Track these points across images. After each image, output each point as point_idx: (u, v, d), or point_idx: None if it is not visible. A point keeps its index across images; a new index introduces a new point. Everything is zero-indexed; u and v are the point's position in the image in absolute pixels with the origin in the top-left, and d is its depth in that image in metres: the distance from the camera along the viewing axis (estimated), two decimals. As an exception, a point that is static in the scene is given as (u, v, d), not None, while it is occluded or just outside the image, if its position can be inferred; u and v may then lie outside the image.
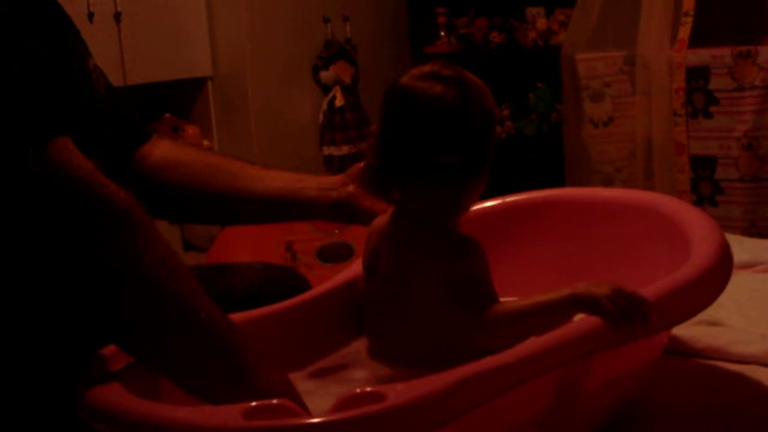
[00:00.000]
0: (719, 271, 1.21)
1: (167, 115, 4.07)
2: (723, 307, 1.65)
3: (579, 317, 1.12)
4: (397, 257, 1.25)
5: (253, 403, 0.89)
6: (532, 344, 1.04)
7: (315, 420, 0.87)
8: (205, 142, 4.09)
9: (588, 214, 1.49)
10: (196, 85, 4.08)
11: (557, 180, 3.69)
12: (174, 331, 1.04)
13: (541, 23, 4.00)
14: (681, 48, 3.31)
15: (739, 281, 1.81)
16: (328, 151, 4.16)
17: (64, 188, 1.02)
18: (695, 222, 1.32)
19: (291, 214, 1.47)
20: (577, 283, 1.14)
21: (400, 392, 0.90)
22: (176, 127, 4.06)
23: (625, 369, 1.20)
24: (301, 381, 1.24)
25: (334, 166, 4.14)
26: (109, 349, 1.10)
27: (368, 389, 0.91)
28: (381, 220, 1.30)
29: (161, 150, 1.48)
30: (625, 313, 1.09)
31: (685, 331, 1.51)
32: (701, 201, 3.32)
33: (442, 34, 4.27)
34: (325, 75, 4.14)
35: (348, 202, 1.42)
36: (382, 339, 1.28)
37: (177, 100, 4.11)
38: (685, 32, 3.30)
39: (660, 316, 1.13)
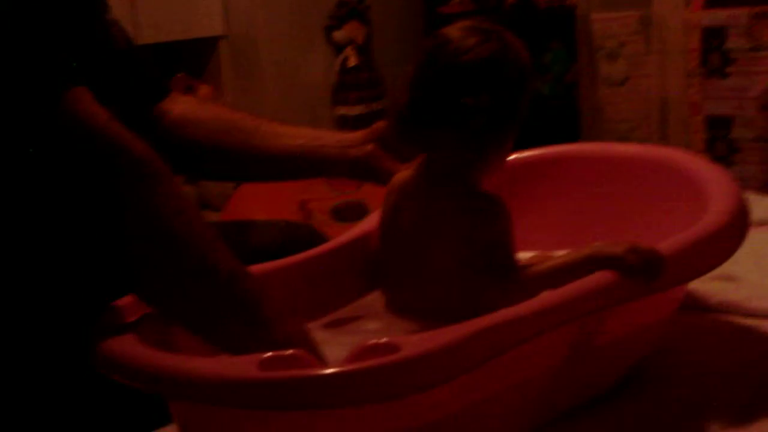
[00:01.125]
0: (736, 227, 1.20)
1: (180, 74, 4.06)
2: (739, 262, 1.63)
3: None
4: (420, 214, 1.24)
5: (269, 354, 0.89)
6: (547, 297, 1.04)
7: (330, 370, 0.87)
8: (219, 102, 4.09)
9: (603, 169, 1.47)
10: (209, 44, 4.07)
11: (572, 140, 3.67)
12: (193, 282, 1.03)
13: (557, -18, 3.96)
14: (696, 8, 3.28)
15: (756, 238, 1.80)
16: (341, 111, 4.15)
17: (80, 137, 1.02)
18: (713, 177, 1.31)
19: (310, 171, 1.47)
20: (594, 243, 1.14)
21: (414, 343, 0.89)
22: (190, 86, 4.05)
23: (641, 323, 1.20)
24: (315, 331, 1.24)
25: (347, 126, 4.13)
26: (124, 300, 1.10)
27: (383, 340, 0.90)
28: (401, 177, 1.29)
29: (181, 107, 1.47)
30: (642, 268, 1.09)
31: (700, 286, 1.50)
32: (717, 160, 3.29)
33: (456, -7, 4.24)
34: (338, 35, 4.12)
35: (367, 161, 1.41)
36: (399, 294, 1.28)
37: (190, 60, 4.11)
38: (701, -9, 3.28)
39: (676, 270, 1.13)
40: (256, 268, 1.20)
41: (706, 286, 1.50)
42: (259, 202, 3.43)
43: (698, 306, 1.49)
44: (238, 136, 1.46)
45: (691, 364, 1.32)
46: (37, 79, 1.02)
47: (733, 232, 1.20)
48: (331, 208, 3.36)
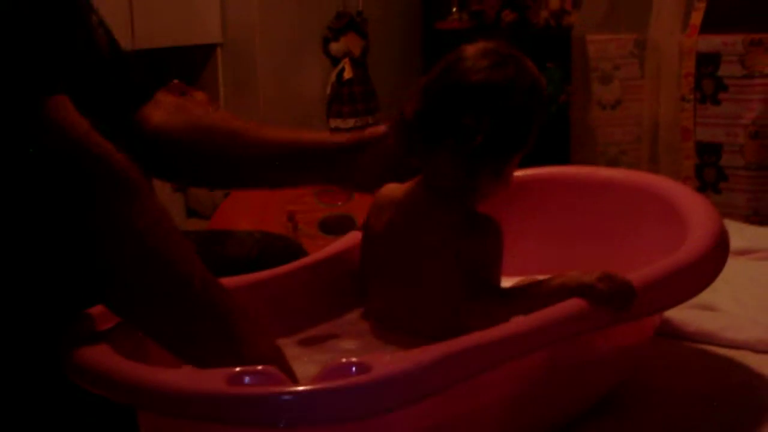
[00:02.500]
0: (713, 258, 1.21)
1: (175, 81, 4.06)
2: (718, 292, 1.64)
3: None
4: (413, 230, 1.24)
5: (238, 369, 0.89)
6: (519, 323, 1.05)
7: (298, 388, 0.87)
8: (213, 109, 4.09)
9: (586, 193, 1.48)
10: (206, 51, 4.08)
11: (562, 161, 3.68)
12: (165, 295, 1.03)
13: (554, 3, 3.97)
14: (692, 33, 3.30)
15: (736, 267, 1.81)
16: (334, 123, 4.15)
17: (58, 147, 1.01)
18: (694, 207, 1.31)
19: (290, 174, 1.43)
20: (569, 271, 1.14)
21: (385, 364, 0.90)
22: (184, 93, 4.05)
23: (615, 350, 1.20)
24: (289, 347, 1.24)
25: (340, 138, 4.13)
26: (98, 309, 1.10)
27: (354, 359, 0.90)
28: (392, 190, 1.29)
29: (161, 111, 1.45)
30: (612, 297, 1.10)
31: (677, 314, 1.51)
32: (705, 187, 3.31)
33: (454, 9, 4.25)
34: (335, 47, 4.13)
35: (349, 167, 1.38)
36: (386, 309, 1.28)
37: (186, 66, 4.11)
38: (697, 18, 3.29)
39: (647, 301, 1.13)
40: (233, 281, 1.21)
41: (683, 314, 1.51)
42: (247, 212, 3.43)
43: (675, 334, 1.50)
44: (218, 140, 1.42)
45: (662, 391, 1.32)
46: (17, 85, 1.01)
47: (708, 265, 1.20)
48: (319, 220, 3.36)
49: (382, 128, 1.37)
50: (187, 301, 1.04)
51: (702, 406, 1.29)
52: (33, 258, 1.08)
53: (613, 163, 3.53)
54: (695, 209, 1.30)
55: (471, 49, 1.19)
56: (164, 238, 1.04)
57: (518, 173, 1.53)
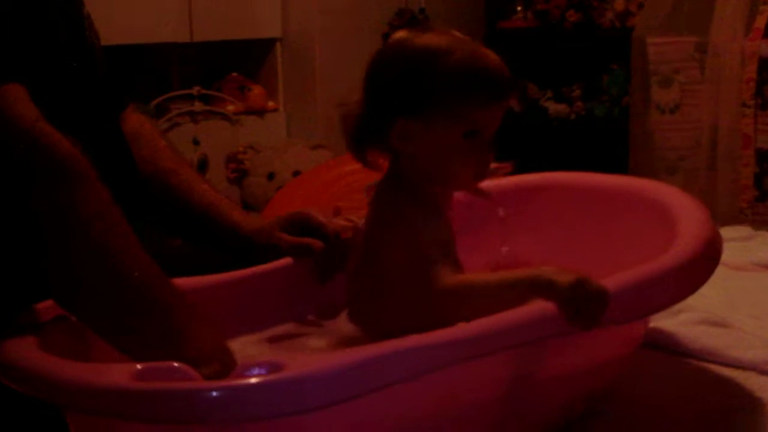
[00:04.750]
0: (696, 266, 1.13)
1: (234, 74, 4.07)
2: (736, 307, 1.57)
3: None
4: (373, 223, 1.22)
5: (143, 365, 0.86)
6: (464, 328, 0.99)
7: (202, 385, 0.83)
8: (270, 103, 4.08)
9: (579, 199, 1.42)
10: (265, 45, 4.07)
11: (620, 165, 3.59)
12: (103, 286, 1.02)
13: (620, 4, 3.88)
14: (756, 37, 3.17)
15: (764, 283, 1.72)
16: (392, 120, 4.11)
17: (2, 135, 1.01)
18: (686, 212, 1.24)
19: (206, 232, 1.41)
20: (543, 266, 1.08)
21: (298, 364, 0.85)
22: (242, 86, 4.06)
23: (592, 360, 1.14)
24: (255, 345, 1.22)
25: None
26: (46, 303, 1.08)
27: (268, 358, 0.86)
28: None
29: (131, 125, 1.44)
30: (582, 305, 1.03)
31: (686, 329, 1.43)
32: (764, 196, 3.18)
33: (519, 8, 4.18)
34: (396, 44, 4.08)
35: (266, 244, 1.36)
36: (357, 305, 1.24)
37: (245, 60, 4.11)
38: (761, 21, 3.17)
39: (620, 310, 1.06)
40: (211, 279, 1.22)
41: (691, 330, 1.43)
42: (296, 205, 3.41)
43: (679, 350, 1.41)
44: (155, 188, 1.41)
45: (660, 406, 1.25)
46: None
47: (691, 272, 1.13)
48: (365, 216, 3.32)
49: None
50: (126, 294, 1.02)
51: (689, 429, 1.21)
52: None
53: (671, 168, 3.43)
54: (686, 215, 1.23)
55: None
56: (106, 229, 1.03)
57: (511, 178, 1.50)
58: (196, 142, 3.93)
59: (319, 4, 3.96)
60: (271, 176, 3.87)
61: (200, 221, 1.40)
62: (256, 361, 0.88)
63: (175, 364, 0.88)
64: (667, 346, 1.40)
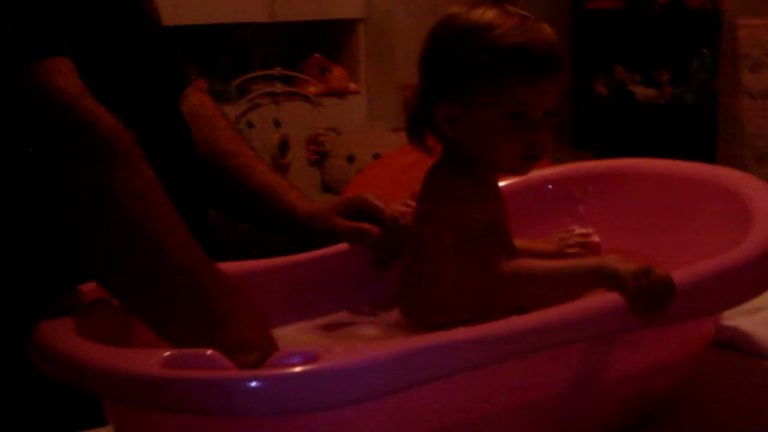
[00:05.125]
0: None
1: (316, 55, 4.05)
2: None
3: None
4: (419, 208, 1.17)
5: (173, 352, 0.83)
6: (516, 321, 0.93)
7: (226, 375, 0.80)
8: (352, 85, 4.05)
9: (656, 188, 1.35)
10: (347, 26, 4.04)
11: (708, 153, 3.48)
12: (142, 268, 0.98)
13: (712, -16, 3.76)
14: None
15: None
16: (474, 103, 4.05)
17: (44, 110, 0.99)
18: (763, 202, 1.17)
19: (264, 216, 1.38)
20: (608, 255, 1.03)
21: (333, 356, 0.81)
22: (324, 67, 4.04)
23: (649, 360, 1.07)
24: (305, 332, 1.18)
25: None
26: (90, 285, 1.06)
27: (303, 349, 0.82)
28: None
29: (188, 106, 1.42)
30: (646, 295, 0.97)
31: (764, 329, 1.35)
32: None
33: (606, -11, 4.09)
34: (480, 25, 4.02)
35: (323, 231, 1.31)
36: (406, 294, 1.20)
37: (327, 41, 4.09)
38: None
39: (688, 304, 1.00)
40: (267, 263, 1.19)
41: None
42: (375, 189, 3.38)
43: (757, 351, 1.33)
44: (212, 167, 1.38)
45: (734, 410, 1.18)
46: (10, 45, 0.99)
47: (766, 268, 1.06)
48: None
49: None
50: (166, 275, 0.99)
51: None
52: (23, 227, 1.06)
53: (761, 156, 3.31)
54: (763, 204, 1.15)
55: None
56: (149, 207, 1.00)
57: (587, 164, 1.44)
58: (277, 124, 3.93)
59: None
60: (351, 159, 3.85)
61: (257, 204, 1.37)
62: (291, 350, 0.84)
63: (209, 352, 0.84)
64: (743, 347, 1.32)
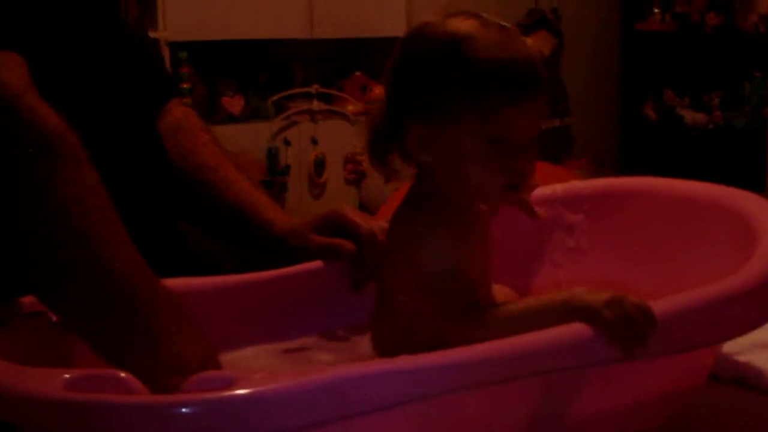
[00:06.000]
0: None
1: (357, 73, 3.99)
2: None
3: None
4: (391, 242, 1.08)
5: (82, 372, 0.76)
6: (463, 351, 0.85)
7: (123, 400, 0.73)
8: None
9: (664, 210, 1.25)
10: (389, 44, 3.96)
11: (759, 178, 3.35)
12: (78, 276, 0.92)
13: (765, 5, 3.63)
14: None
15: None
16: (517, 125, 3.96)
17: None
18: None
19: (239, 231, 1.31)
20: (575, 287, 0.93)
21: (252, 381, 0.73)
22: (365, 86, 3.98)
23: (646, 394, 0.98)
24: (267, 355, 1.11)
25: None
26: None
27: (223, 372, 0.75)
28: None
29: (165, 124, 1.36)
30: (621, 324, 0.88)
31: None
32: None
33: (656, 10, 3.97)
34: (524, 45, 3.94)
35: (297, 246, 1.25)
36: (375, 329, 1.11)
37: (369, 59, 4.02)
38: None
39: (674, 335, 0.91)
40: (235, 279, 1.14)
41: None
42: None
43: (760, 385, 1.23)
44: (193, 184, 1.33)
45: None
46: None
47: (763, 298, 0.96)
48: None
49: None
50: (102, 288, 0.92)
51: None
52: None
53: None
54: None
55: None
56: (88, 214, 0.93)
57: (589, 183, 1.34)
58: (314, 142, 3.87)
59: (446, 2, 3.84)
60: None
61: (234, 219, 1.30)
62: (209, 374, 0.76)
63: (121, 374, 0.77)
64: (757, 385, 1.22)
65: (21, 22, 1.03)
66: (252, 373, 0.75)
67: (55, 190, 0.92)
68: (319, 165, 3.87)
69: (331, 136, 3.85)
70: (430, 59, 0.98)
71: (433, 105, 0.97)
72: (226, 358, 1.08)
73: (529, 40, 1.01)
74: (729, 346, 1.16)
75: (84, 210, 0.93)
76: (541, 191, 1.29)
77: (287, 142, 3.83)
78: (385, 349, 1.06)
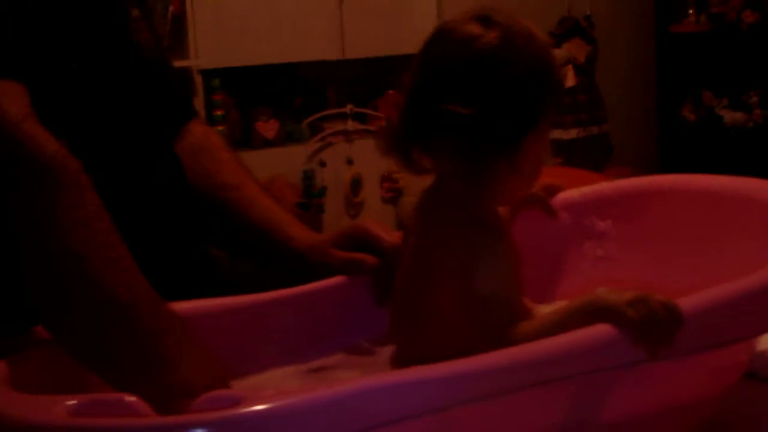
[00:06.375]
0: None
1: (390, 92, 3.97)
2: None
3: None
4: (415, 249, 1.05)
5: (88, 398, 0.74)
6: (483, 358, 0.82)
7: (131, 423, 0.70)
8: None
9: (695, 207, 1.21)
10: (422, 61, 3.96)
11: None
12: (81, 303, 0.90)
13: (801, 0, 3.57)
14: None
15: None
16: (554, 134, 3.92)
17: None
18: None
19: (263, 248, 1.29)
20: (598, 289, 0.91)
21: (258, 399, 0.71)
22: (398, 105, 3.95)
23: (677, 397, 0.95)
24: (292, 376, 1.09)
25: (561, 152, 3.89)
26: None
27: (230, 391, 0.73)
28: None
29: (185, 145, 1.35)
30: (647, 323, 0.85)
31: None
32: None
33: (691, 11, 3.92)
34: (557, 53, 3.90)
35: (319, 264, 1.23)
36: (401, 342, 1.08)
37: (401, 77, 4.01)
38: None
39: (702, 332, 0.87)
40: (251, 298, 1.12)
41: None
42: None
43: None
44: (215, 204, 1.31)
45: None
46: None
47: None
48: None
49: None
50: (106, 313, 0.90)
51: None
52: None
53: None
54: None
55: (448, 26, 0.98)
56: (91, 239, 0.92)
57: (618, 183, 1.31)
58: (349, 162, 3.86)
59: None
60: (426, 195, 3.75)
61: (256, 237, 1.29)
62: (217, 394, 0.74)
63: (129, 398, 0.75)
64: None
65: (26, 47, 1.02)
66: (259, 392, 0.73)
67: (57, 217, 0.91)
68: (356, 185, 3.86)
69: (366, 156, 3.83)
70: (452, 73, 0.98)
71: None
72: (251, 381, 1.07)
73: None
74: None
75: (86, 235, 0.91)
76: (568, 194, 1.27)
77: (323, 164, 3.83)
78: (402, 356, 1.04)
